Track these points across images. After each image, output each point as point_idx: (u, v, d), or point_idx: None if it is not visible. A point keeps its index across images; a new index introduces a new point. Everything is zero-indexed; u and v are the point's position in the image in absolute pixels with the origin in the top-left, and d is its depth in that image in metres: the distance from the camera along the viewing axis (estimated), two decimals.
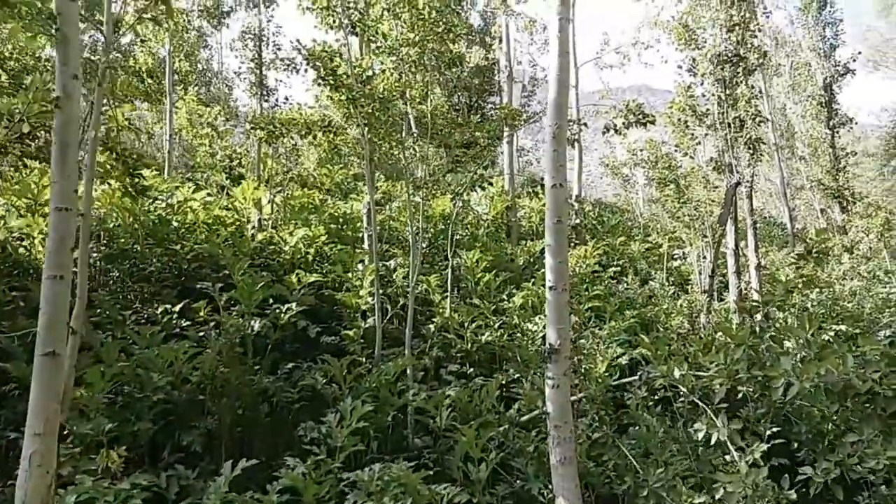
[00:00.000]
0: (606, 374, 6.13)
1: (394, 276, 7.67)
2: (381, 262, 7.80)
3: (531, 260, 9.56)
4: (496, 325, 7.36)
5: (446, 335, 7.12)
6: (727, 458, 4.06)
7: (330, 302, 7.46)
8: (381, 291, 7.23)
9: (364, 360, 6.56)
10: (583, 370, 6.02)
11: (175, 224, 8.41)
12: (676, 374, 4.67)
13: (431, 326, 7.20)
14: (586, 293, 8.40)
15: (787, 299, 10.56)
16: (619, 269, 10.59)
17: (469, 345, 7.04)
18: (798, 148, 21.46)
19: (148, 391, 5.24)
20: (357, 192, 12.38)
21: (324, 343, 6.76)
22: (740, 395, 4.65)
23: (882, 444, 3.72)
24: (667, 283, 9.62)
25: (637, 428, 4.95)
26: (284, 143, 12.61)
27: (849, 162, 15.18)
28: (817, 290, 11.49)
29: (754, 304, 8.28)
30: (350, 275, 7.28)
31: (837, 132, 18.05)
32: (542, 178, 15.90)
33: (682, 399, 4.77)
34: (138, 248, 7.72)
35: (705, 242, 9.67)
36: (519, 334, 7.42)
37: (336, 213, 9.33)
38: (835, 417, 4.13)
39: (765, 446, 3.87)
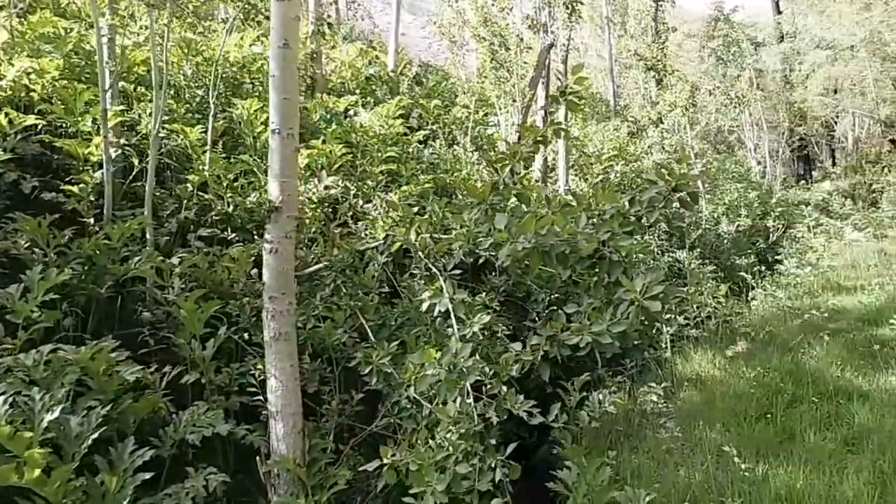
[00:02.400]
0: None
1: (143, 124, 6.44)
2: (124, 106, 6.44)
3: (329, 116, 8.59)
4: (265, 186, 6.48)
5: (204, 195, 6.15)
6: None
7: (63, 153, 6.13)
8: (121, 140, 6.01)
9: (93, 221, 5.47)
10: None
11: None
12: (413, 236, 4.18)
13: (189, 185, 6.18)
14: (379, 154, 7.70)
15: (588, 169, 10.57)
16: (429, 133, 10.00)
17: (230, 207, 6.14)
18: (630, 25, 21.55)
19: None
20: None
21: (42, 200, 5.54)
22: (482, 260, 4.33)
23: (592, 316, 3.48)
24: (471, 149, 9.18)
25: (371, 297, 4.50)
26: None
27: (668, 38, 15.36)
28: (623, 161, 11.64)
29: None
30: (78, 118, 5.97)
31: (661, 6, 18.24)
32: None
33: (416, 265, 4.33)
34: None
35: (515, 107, 9.23)
36: None
37: (86, 46, 7.68)
38: (561, 285, 3.94)
39: (486, 318, 3.51)
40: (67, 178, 5.80)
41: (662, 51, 14.17)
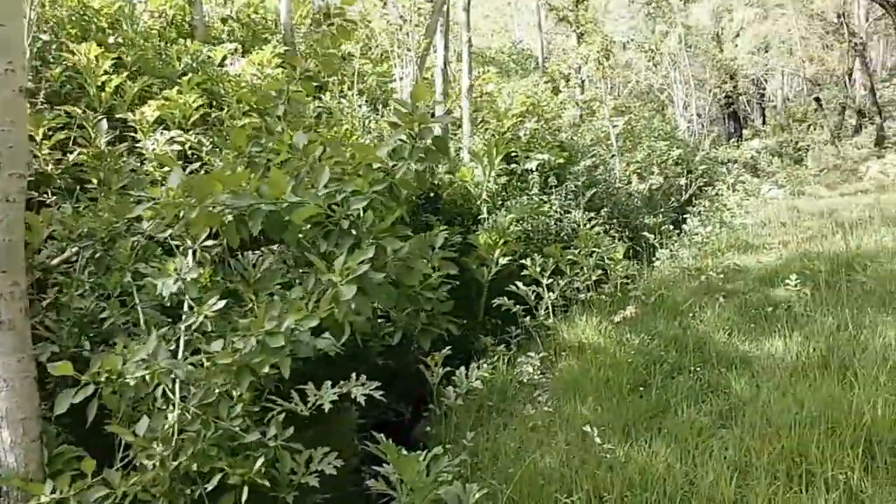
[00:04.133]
0: None
1: None
2: None
3: (194, 66, 7.70)
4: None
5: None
6: None
7: None
8: None
9: None
10: None
11: None
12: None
13: None
14: (240, 106, 6.91)
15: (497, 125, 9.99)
16: (320, 85, 9.22)
17: (48, 165, 5.32)
18: None
19: None
20: None
21: None
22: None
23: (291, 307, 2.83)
24: (363, 102, 8.44)
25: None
26: None
27: None
28: (537, 118, 11.08)
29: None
30: None
31: None
32: None
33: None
34: None
35: (409, 57, 8.52)
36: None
37: None
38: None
39: (221, 303, 2.80)
40: None
41: (582, 3, 13.57)
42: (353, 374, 3.99)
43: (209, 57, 8.29)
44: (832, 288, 6.40)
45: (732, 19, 26.00)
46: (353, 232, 2.37)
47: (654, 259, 8.33)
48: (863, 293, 6.23)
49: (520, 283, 5.95)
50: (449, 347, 5.63)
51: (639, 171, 11.51)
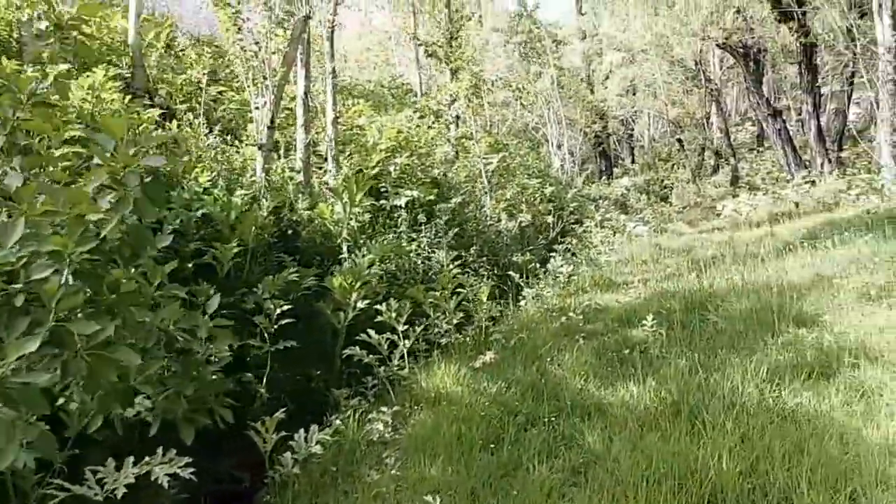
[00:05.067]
0: None
1: None
2: None
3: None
4: None
5: None
6: None
7: None
8: None
9: None
10: None
11: None
12: None
13: None
14: (57, 133, 6.13)
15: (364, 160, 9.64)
16: (166, 112, 8.48)
17: None
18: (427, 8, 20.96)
19: None
20: None
21: None
22: None
23: None
24: (206, 130, 7.81)
25: None
26: None
27: (462, 26, 14.86)
28: (408, 153, 10.81)
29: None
30: None
31: None
32: None
33: None
34: None
35: (265, 86, 8.00)
36: None
37: None
38: None
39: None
40: None
41: (456, 40, 13.61)
42: (160, 448, 3.40)
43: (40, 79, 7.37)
44: (686, 328, 6.46)
45: (602, 62, 27.41)
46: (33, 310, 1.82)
47: (520, 298, 8.19)
48: (714, 333, 6.33)
49: (371, 331, 5.52)
50: (291, 406, 5.13)
51: (509, 208, 11.52)
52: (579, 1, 28.11)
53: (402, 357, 5.60)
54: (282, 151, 9.19)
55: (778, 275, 7.74)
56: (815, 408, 4.46)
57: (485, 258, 9.46)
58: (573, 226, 13.56)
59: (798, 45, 18.00)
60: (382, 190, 9.70)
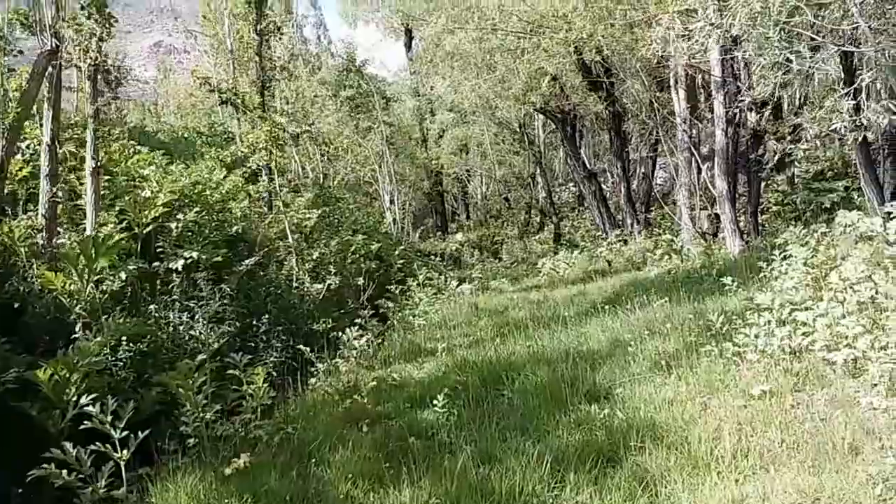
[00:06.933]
0: None
1: None
2: None
3: None
4: None
5: None
6: None
7: None
8: None
9: None
10: None
11: None
12: None
13: None
14: None
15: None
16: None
17: None
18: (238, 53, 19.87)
19: None
20: None
21: None
22: None
23: None
24: None
25: None
26: None
27: (274, 75, 13.99)
28: (198, 208, 9.61)
29: None
30: None
31: (269, 41, 16.96)
32: None
33: None
34: None
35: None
36: None
37: None
38: None
39: None
40: None
41: (268, 89, 12.73)
42: None
43: None
44: (480, 405, 5.85)
45: (433, 122, 27.74)
46: None
47: (313, 375, 7.23)
48: (508, 410, 5.78)
49: (68, 444, 4.27)
50: None
51: (316, 269, 10.61)
52: (411, 60, 28.41)
53: (116, 475, 4.38)
54: (25, 207, 7.67)
55: (579, 341, 7.47)
56: None
57: (280, 328, 8.43)
58: (399, 284, 12.90)
59: (608, 112, 19.11)
60: (159, 251, 8.45)
